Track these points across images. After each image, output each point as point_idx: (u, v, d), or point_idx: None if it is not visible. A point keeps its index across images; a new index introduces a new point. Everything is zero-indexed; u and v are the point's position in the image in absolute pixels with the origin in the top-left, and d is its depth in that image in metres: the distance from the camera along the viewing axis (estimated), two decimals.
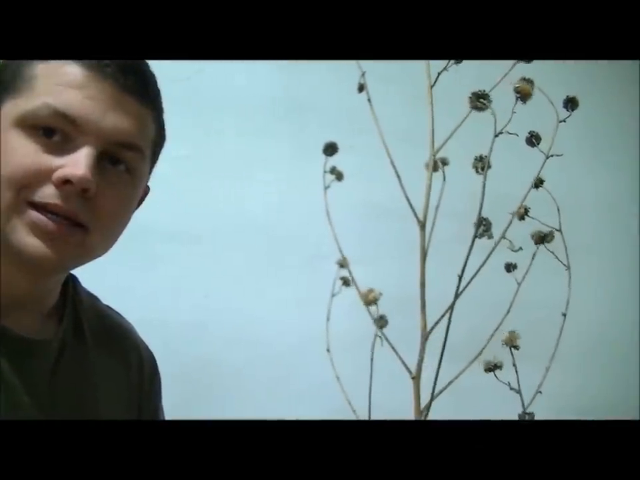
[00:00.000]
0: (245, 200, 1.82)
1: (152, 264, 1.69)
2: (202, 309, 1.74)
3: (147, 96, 0.71)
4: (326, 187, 1.08)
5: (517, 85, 0.86)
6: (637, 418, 1.90)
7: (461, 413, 0.93)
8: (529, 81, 0.87)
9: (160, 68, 0.75)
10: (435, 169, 0.95)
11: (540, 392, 0.92)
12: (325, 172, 1.08)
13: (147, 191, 0.79)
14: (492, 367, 0.90)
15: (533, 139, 0.90)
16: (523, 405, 0.90)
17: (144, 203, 0.80)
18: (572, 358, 1.51)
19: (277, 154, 1.86)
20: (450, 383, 0.91)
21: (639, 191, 2.22)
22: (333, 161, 1.08)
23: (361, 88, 0.99)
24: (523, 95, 0.86)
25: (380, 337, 0.97)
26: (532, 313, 1.38)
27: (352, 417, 1.00)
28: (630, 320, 2.15)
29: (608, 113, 2.19)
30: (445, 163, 0.98)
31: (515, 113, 0.86)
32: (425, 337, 0.92)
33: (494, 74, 0.90)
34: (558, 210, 0.95)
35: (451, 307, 0.91)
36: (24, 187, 0.64)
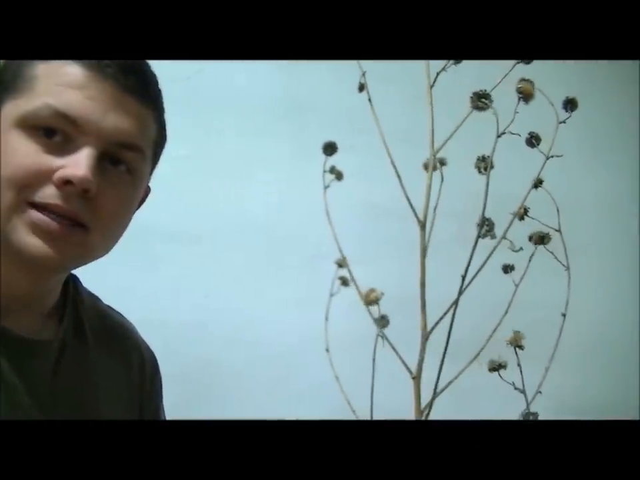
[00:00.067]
0: (245, 200, 1.82)
1: (152, 264, 1.69)
2: (202, 309, 1.74)
3: (148, 96, 0.71)
4: (326, 187, 1.08)
5: (520, 86, 0.86)
6: (637, 418, 1.90)
7: (461, 413, 0.93)
8: (529, 82, 0.87)
9: (160, 68, 0.75)
10: (435, 168, 0.95)
11: (540, 392, 0.92)
12: (324, 172, 1.08)
13: (147, 191, 0.79)
14: (496, 367, 0.90)
15: (533, 140, 0.91)
16: (527, 404, 0.90)
17: (144, 203, 0.80)
18: (572, 358, 1.51)
19: (276, 154, 1.87)
20: (449, 383, 0.91)
21: (638, 191, 2.22)
22: (333, 160, 1.08)
23: (362, 88, 0.99)
24: (526, 95, 0.86)
25: (382, 337, 0.97)
26: (532, 313, 1.38)
27: (352, 417, 1.00)
28: (630, 320, 2.15)
29: (608, 114, 2.19)
30: (442, 163, 0.98)
31: (517, 113, 0.86)
32: (426, 336, 0.92)
33: (494, 74, 0.90)
34: (557, 210, 0.95)
35: (455, 306, 0.91)
36: (24, 187, 0.64)
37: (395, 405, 0.97)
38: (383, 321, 0.98)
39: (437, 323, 0.92)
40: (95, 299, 0.85)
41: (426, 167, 0.96)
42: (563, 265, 0.95)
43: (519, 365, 0.91)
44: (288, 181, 1.86)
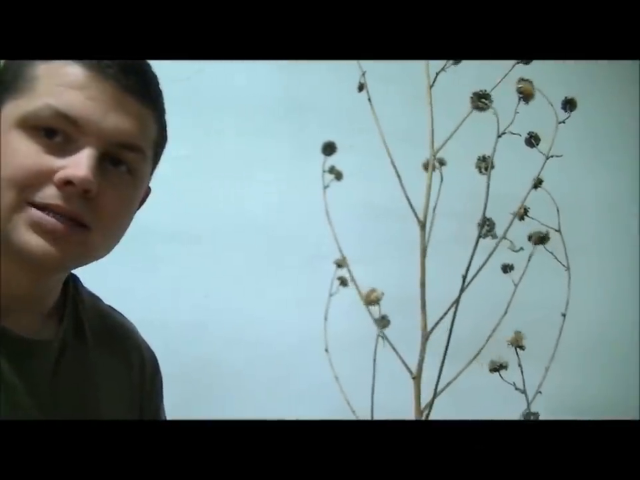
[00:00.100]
0: (245, 200, 1.82)
1: (152, 264, 1.69)
2: (202, 309, 1.74)
3: (149, 96, 0.71)
4: (325, 187, 1.08)
5: (520, 85, 0.86)
6: (637, 418, 1.90)
7: (461, 413, 0.93)
8: (529, 82, 0.87)
9: (160, 68, 0.75)
10: (434, 168, 0.95)
11: (540, 392, 0.92)
12: (324, 171, 1.08)
13: (148, 191, 0.79)
14: (497, 367, 0.90)
15: (532, 140, 0.91)
16: (528, 405, 0.90)
17: (145, 204, 0.80)
18: (572, 358, 1.51)
19: (276, 154, 1.87)
20: (449, 383, 0.91)
21: (638, 191, 2.22)
22: (333, 160, 1.08)
23: (361, 87, 0.99)
24: (526, 95, 0.86)
25: (382, 337, 0.97)
26: (532, 314, 1.38)
27: (351, 417, 1.00)
28: (630, 320, 2.15)
29: (608, 113, 2.19)
30: (442, 163, 0.98)
31: (518, 113, 0.86)
32: (426, 336, 0.92)
33: (493, 74, 0.90)
34: (557, 210, 0.95)
35: (456, 306, 0.91)
36: (25, 187, 0.64)
37: (395, 405, 0.97)
38: (383, 321, 0.98)
39: (437, 323, 0.92)
40: (95, 298, 0.85)
41: (425, 167, 0.96)
42: (563, 265, 0.95)
43: (519, 365, 0.91)
44: (288, 181, 1.86)
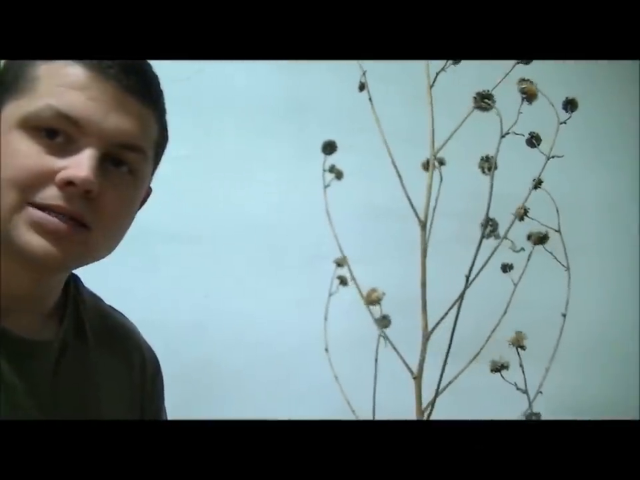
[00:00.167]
0: (245, 200, 1.82)
1: (152, 264, 1.69)
2: (202, 309, 1.74)
3: (149, 96, 0.71)
4: (326, 186, 1.08)
5: (524, 86, 0.86)
6: (637, 418, 1.90)
7: (462, 413, 0.93)
8: (528, 81, 0.87)
9: (160, 68, 0.75)
10: (434, 168, 0.95)
11: (541, 392, 0.92)
12: (324, 171, 1.08)
13: (149, 192, 0.79)
14: (498, 367, 0.90)
15: (533, 140, 0.91)
16: (530, 405, 0.90)
17: (145, 204, 0.80)
18: (572, 358, 1.51)
19: (277, 154, 1.87)
20: (449, 383, 0.91)
21: (639, 192, 2.22)
22: (333, 160, 1.08)
23: (362, 87, 0.99)
24: (529, 96, 0.86)
25: (383, 337, 0.97)
26: (532, 314, 1.38)
27: (352, 418, 1.00)
28: (630, 320, 2.15)
29: (608, 113, 2.19)
30: (441, 162, 0.98)
31: (521, 113, 0.86)
32: (427, 337, 0.92)
33: (493, 74, 0.90)
34: (557, 211, 0.95)
35: (459, 306, 0.91)
36: (27, 188, 0.64)
37: (396, 405, 0.97)
38: (384, 321, 0.98)
39: (437, 323, 0.92)
40: (96, 299, 0.85)
41: (424, 166, 0.96)
42: (563, 265, 0.95)
43: (521, 365, 0.91)
44: (288, 181, 1.86)
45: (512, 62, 0.88)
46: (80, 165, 0.65)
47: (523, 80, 0.87)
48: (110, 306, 0.87)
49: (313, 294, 1.21)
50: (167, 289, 1.71)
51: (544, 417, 0.87)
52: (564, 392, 1.66)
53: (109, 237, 0.71)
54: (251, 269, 1.80)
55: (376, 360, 1.00)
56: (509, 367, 0.90)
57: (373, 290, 0.96)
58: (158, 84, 0.74)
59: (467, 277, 0.90)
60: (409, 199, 0.94)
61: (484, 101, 0.86)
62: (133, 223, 0.75)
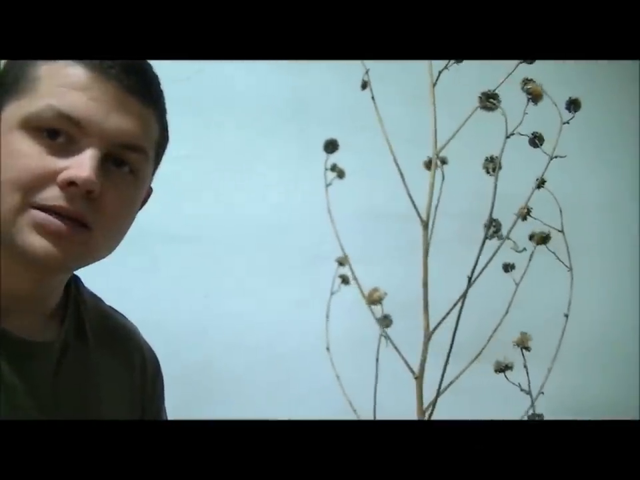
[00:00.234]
0: (246, 200, 1.82)
1: (152, 265, 1.69)
2: (203, 309, 1.74)
3: (150, 96, 0.71)
4: (327, 185, 1.08)
5: (529, 86, 0.86)
6: (637, 418, 1.90)
7: (463, 413, 0.93)
8: (531, 81, 0.87)
9: (160, 68, 0.75)
10: (436, 167, 0.95)
11: (542, 392, 0.92)
12: (326, 169, 1.08)
13: (149, 192, 0.79)
14: (502, 368, 0.90)
15: (536, 140, 0.90)
16: (532, 406, 0.90)
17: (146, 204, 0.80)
18: (573, 358, 1.51)
19: (277, 153, 1.86)
20: (451, 383, 0.91)
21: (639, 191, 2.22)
22: (335, 160, 1.08)
23: (364, 85, 0.99)
24: (535, 96, 0.86)
25: (385, 336, 0.97)
26: (534, 314, 1.38)
27: (353, 418, 1.00)
28: (631, 320, 2.15)
29: (610, 113, 2.19)
30: (444, 162, 0.97)
31: (527, 114, 0.86)
32: (428, 336, 0.92)
33: (496, 74, 0.90)
34: (560, 211, 0.95)
35: (461, 306, 0.91)
36: (29, 189, 0.64)
37: (398, 405, 0.97)
38: (386, 321, 0.98)
39: (439, 323, 0.92)
40: (97, 299, 0.85)
41: (427, 166, 0.96)
42: (566, 266, 0.95)
43: (525, 366, 0.90)
44: (289, 181, 1.86)
45: (514, 62, 0.88)
46: (82, 165, 0.65)
47: (527, 80, 0.86)
48: (110, 307, 0.87)
49: (314, 294, 1.21)
50: (167, 289, 1.71)
51: (545, 417, 0.87)
52: (565, 392, 1.66)
53: (109, 237, 0.71)
54: (251, 269, 1.80)
55: (377, 360, 0.99)
56: (513, 367, 0.90)
57: (375, 290, 0.96)
58: (158, 84, 0.74)
59: (469, 278, 0.90)
60: (411, 199, 0.93)
61: (489, 100, 0.86)
62: (133, 223, 0.75)
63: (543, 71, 0.90)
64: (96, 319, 0.81)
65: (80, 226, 0.66)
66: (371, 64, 0.94)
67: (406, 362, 0.93)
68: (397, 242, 1.80)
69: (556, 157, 0.89)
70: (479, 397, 1.56)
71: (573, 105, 0.91)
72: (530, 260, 0.92)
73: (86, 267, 0.73)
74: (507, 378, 0.90)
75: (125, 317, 0.89)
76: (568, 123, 0.90)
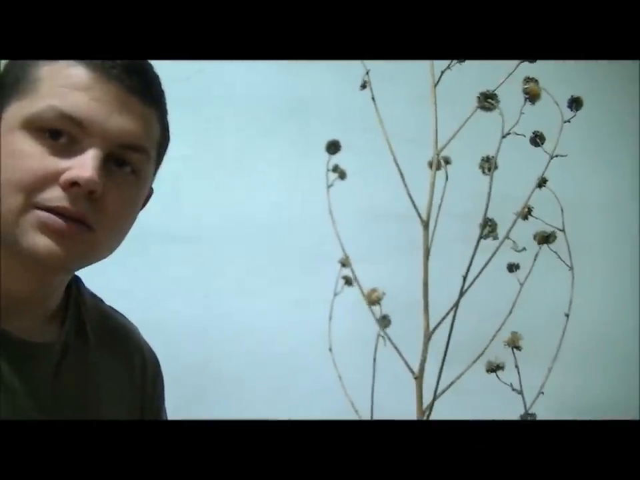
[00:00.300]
0: (246, 200, 1.82)
1: (153, 265, 1.69)
2: (203, 309, 1.74)
3: (151, 97, 0.72)
4: (329, 186, 1.07)
5: (527, 86, 0.86)
6: (637, 418, 1.90)
7: (463, 413, 0.93)
8: (534, 81, 0.87)
9: (160, 68, 0.75)
10: (438, 167, 0.94)
11: (542, 392, 0.92)
12: (327, 170, 1.08)
13: (150, 192, 0.79)
14: (494, 368, 0.90)
15: (537, 139, 0.90)
16: (524, 405, 0.90)
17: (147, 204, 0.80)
18: (574, 358, 1.51)
19: (278, 153, 1.86)
20: (452, 383, 0.91)
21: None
22: (336, 159, 1.08)
23: (364, 85, 0.99)
24: (532, 96, 0.86)
25: (383, 337, 0.97)
26: (534, 313, 1.38)
27: (355, 418, 0.99)
28: (632, 320, 2.15)
29: (610, 113, 2.19)
30: (447, 162, 0.97)
31: (523, 113, 0.85)
32: (428, 337, 0.92)
33: (496, 74, 0.89)
34: (562, 210, 0.95)
35: (455, 307, 0.91)
36: (32, 190, 0.64)
37: (397, 405, 0.96)
38: (384, 321, 0.98)
39: (439, 323, 0.92)
40: (97, 300, 0.85)
41: (431, 166, 0.95)
42: (567, 265, 0.94)
43: (516, 366, 0.90)
44: (289, 180, 1.86)
45: (515, 62, 0.88)
46: (84, 165, 0.65)
47: (528, 79, 0.86)
48: (111, 307, 0.87)
49: (314, 294, 1.21)
50: (167, 289, 1.71)
51: (545, 417, 0.86)
52: (565, 392, 1.66)
53: (111, 237, 0.71)
54: (251, 269, 1.80)
55: (374, 360, 0.99)
56: (504, 367, 0.90)
57: (373, 290, 0.96)
58: (159, 84, 0.74)
59: (464, 278, 0.90)
60: (411, 199, 0.93)
61: (487, 100, 0.86)
62: (135, 224, 0.75)
63: (544, 70, 0.90)
64: (96, 319, 0.81)
65: (82, 226, 0.66)
66: (373, 63, 0.94)
67: (406, 362, 0.93)
68: (398, 242, 1.80)
69: (556, 155, 0.89)
70: (480, 397, 1.56)
71: (575, 104, 0.91)
72: (535, 260, 0.92)
73: (86, 267, 0.73)
74: (498, 378, 0.90)
75: (125, 317, 0.89)
76: (569, 121, 0.90)
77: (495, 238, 0.89)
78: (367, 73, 0.98)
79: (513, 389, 0.89)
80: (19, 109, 0.66)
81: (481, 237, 0.90)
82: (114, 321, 0.86)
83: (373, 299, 0.96)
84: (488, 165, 0.90)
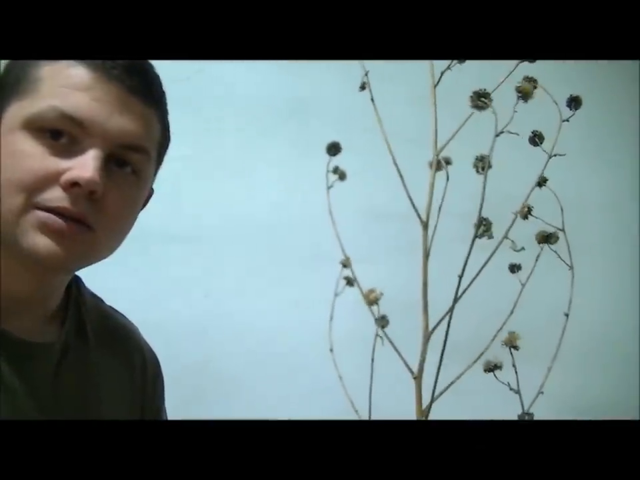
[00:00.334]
0: (246, 200, 1.82)
1: (153, 265, 1.69)
2: (203, 309, 1.74)
3: (152, 97, 0.72)
4: (329, 187, 1.08)
5: (518, 85, 0.86)
6: (637, 418, 1.90)
7: (463, 413, 0.93)
8: (532, 80, 0.87)
9: (160, 68, 0.75)
10: (439, 168, 0.95)
11: (542, 392, 0.92)
12: (327, 171, 1.08)
13: (151, 193, 0.79)
14: (492, 367, 0.90)
15: (536, 138, 0.90)
16: (522, 405, 0.90)
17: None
18: (574, 358, 1.51)
19: (277, 154, 1.86)
20: (451, 383, 0.91)
21: (639, 191, 2.22)
22: (336, 160, 1.08)
23: (363, 86, 0.99)
24: (524, 94, 0.86)
25: (381, 337, 0.97)
26: (534, 313, 1.38)
27: (355, 418, 0.99)
28: (632, 320, 2.15)
29: (610, 113, 2.19)
30: (448, 162, 0.97)
31: (516, 112, 0.86)
32: (427, 337, 0.92)
33: (497, 74, 0.89)
34: (561, 209, 0.95)
35: (452, 307, 0.91)
36: (33, 190, 0.64)
37: (397, 405, 0.96)
38: (382, 321, 0.98)
39: (438, 323, 0.92)
40: (97, 300, 0.85)
41: (431, 166, 0.95)
42: (567, 264, 0.94)
43: (514, 365, 0.90)
44: (289, 181, 1.86)
45: (515, 61, 0.88)
46: (85, 165, 0.65)
47: (528, 78, 0.86)
48: (111, 307, 0.87)
49: (314, 294, 1.21)
50: (167, 289, 1.71)
51: (545, 417, 0.86)
52: (565, 392, 1.66)
53: (111, 238, 0.71)
54: (251, 269, 1.80)
55: (372, 360, 0.99)
56: (502, 367, 0.90)
57: (371, 290, 0.96)
58: (160, 84, 0.74)
59: (460, 277, 0.90)
60: (410, 199, 0.93)
61: (480, 99, 0.86)
62: (135, 224, 0.75)
63: (544, 70, 0.90)
64: (96, 320, 0.81)
65: (82, 226, 0.66)
66: (372, 64, 0.94)
67: (405, 362, 0.93)
68: (398, 243, 1.80)
69: (555, 155, 0.89)
70: (479, 397, 1.56)
71: (574, 103, 0.91)
72: (537, 260, 0.92)
73: (86, 267, 0.73)
74: (496, 377, 0.90)
75: (125, 317, 0.89)
76: (568, 120, 0.90)
77: (490, 237, 0.89)
78: (366, 75, 0.98)
79: (511, 389, 0.89)
80: (20, 109, 0.66)
81: (475, 236, 0.90)
82: (114, 321, 0.86)
83: (372, 299, 0.96)
84: (482, 164, 0.90)
